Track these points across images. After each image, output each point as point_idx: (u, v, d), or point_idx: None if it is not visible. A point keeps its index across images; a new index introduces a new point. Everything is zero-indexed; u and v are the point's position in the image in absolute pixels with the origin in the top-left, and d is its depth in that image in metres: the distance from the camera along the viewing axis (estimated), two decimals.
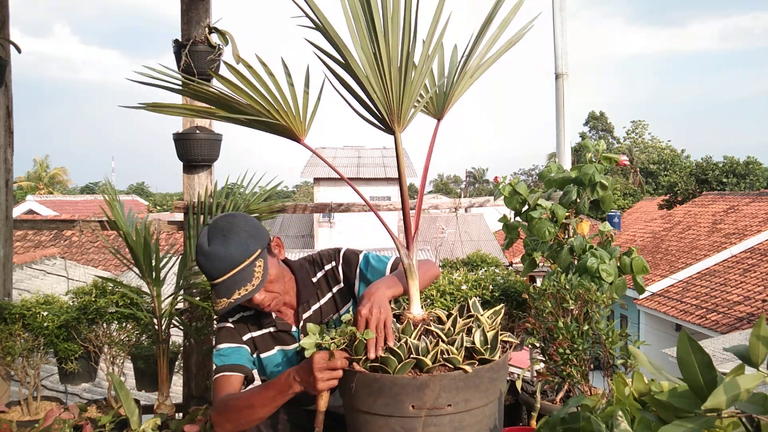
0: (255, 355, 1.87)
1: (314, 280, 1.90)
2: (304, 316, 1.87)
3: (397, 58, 1.43)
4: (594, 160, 2.55)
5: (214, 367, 1.82)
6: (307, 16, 1.40)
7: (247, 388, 1.77)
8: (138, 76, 1.56)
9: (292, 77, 1.61)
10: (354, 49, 1.44)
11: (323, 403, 1.53)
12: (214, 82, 2.46)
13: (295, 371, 1.54)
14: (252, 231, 1.72)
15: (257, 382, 2.00)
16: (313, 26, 1.42)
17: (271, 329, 1.87)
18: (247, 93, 1.55)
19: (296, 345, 1.86)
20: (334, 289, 1.91)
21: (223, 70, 2.83)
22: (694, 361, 0.92)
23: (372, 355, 1.45)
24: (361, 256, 1.90)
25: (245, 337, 1.85)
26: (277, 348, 1.88)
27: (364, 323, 1.49)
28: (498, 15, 1.62)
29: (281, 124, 1.62)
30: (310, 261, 1.94)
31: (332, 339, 1.49)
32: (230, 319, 1.86)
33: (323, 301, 1.90)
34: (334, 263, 1.92)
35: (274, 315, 1.86)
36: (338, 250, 1.94)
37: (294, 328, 1.88)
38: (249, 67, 1.54)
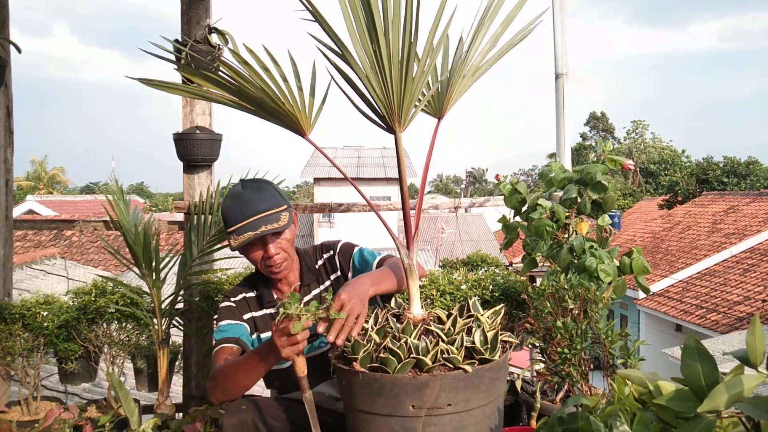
0: (255, 336, 1.95)
1: (316, 266, 2.02)
2: (305, 298, 1.96)
3: (397, 57, 1.42)
4: (597, 160, 2.54)
5: (214, 342, 1.89)
6: (309, 10, 1.40)
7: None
8: (140, 74, 1.57)
9: (299, 71, 1.62)
10: (353, 48, 1.44)
11: (298, 369, 1.54)
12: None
13: (269, 342, 1.58)
14: (281, 192, 1.89)
15: None
16: (314, 20, 1.42)
17: (272, 310, 1.96)
18: (254, 83, 1.55)
19: None
20: (332, 277, 2.01)
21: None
22: (699, 364, 0.93)
23: (331, 338, 1.49)
24: (356, 249, 2.02)
25: (246, 316, 1.94)
26: None
27: (339, 306, 1.52)
28: (501, 12, 1.61)
29: (287, 115, 1.63)
30: (313, 248, 2.06)
31: (299, 309, 1.49)
32: (232, 299, 1.96)
33: (323, 287, 2.00)
34: (332, 252, 2.04)
35: (275, 296, 1.96)
36: (338, 241, 2.07)
37: None
38: (255, 56, 1.54)
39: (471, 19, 1.62)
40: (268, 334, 1.93)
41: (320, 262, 2.02)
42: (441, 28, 1.51)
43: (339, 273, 2.01)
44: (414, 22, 1.39)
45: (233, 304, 1.95)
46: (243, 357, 1.72)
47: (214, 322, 1.98)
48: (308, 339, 1.89)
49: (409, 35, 1.39)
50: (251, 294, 1.98)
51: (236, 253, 1.92)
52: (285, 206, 1.86)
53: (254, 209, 1.79)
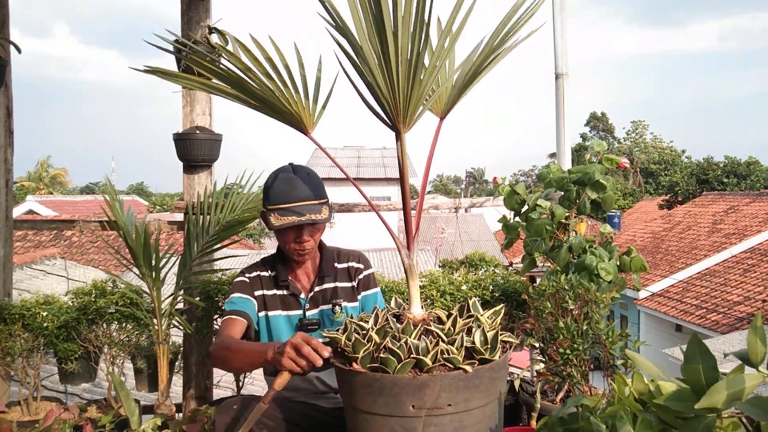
0: (263, 314, 2.02)
1: (336, 265, 2.09)
2: (316, 288, 2.04)
3: (405, 59, 1.41)
4: (595, 160, 2.56)
5: (224, 310, 1.99)
6: (324, 6, 1.39)
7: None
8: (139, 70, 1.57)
9: (304, 68, 1.62)
10: (362, 46, 1.43)
11: (280, 382, 1.52)
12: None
13: (279, 343, 1.58)
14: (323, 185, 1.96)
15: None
16: (326, 20, 1.41)
17: (284, 292, 2.03)
18: (257, 76, 1.55)
19: (300, 312, 2.02)
20: (346, 284, 2.09)
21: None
22: (700, 363, 0.92)
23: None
24: (377, 289, 2.13)
25: (257, 293, 2.03)
26: (282, 311, 2.03)
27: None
28: (510, 12, 1.61)
29: (290, 112, 1.63)
30: (340, 250, 2.14)
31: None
32: (247, 275, 2.05)
33: (335, 285, 2.07)
34: (361, 266, 2.11)
35: (290, 278, 2.03)
36: (370, 267, 2.16)
37: (303, 295, 2.04)
38: (260, 47, 1.54)
39: (478, 17, 1.61)
40: (274, 313, 2.02)
41: (343, 265, 2.10)
42: (454, 30, 1.50)
43: (354, 284, 2.09)
44: (425, 25, 1.37)
45: (247, 280, 2.03)
46: (250, 342, 1.83)
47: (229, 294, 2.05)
48: (310, 330, 1.99)
49: (419, 38, 1.38)
50: (266, 273, 2.05)
51: (236, 253, 1.94)
52: (327, 199, 1.94)
53: (303, 195, 1.87)
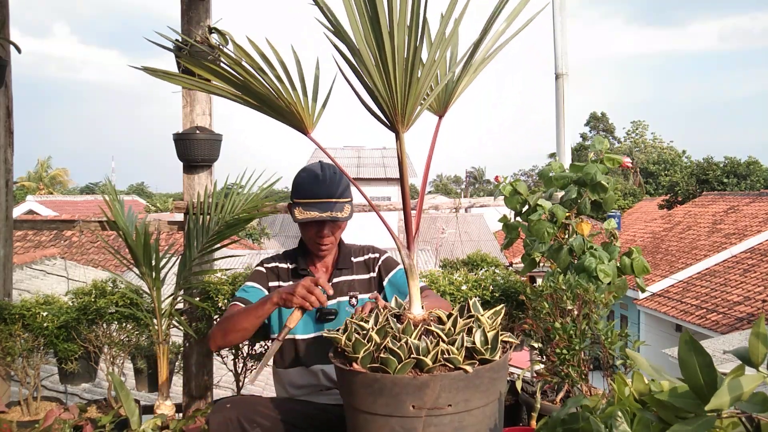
0: None
1: (353, 259, 2.16)
2: (335, 280, 2.10)
3: (402, 59, 1.41)
4: (596, 159, 2.54)
5: (234, 296, 2.08)
6: (319, 7, 1.39)
7: None
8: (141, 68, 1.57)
9: (302, 68, 1.62)
10: (358, 47, 1.43)
11: (293, 319, 1.74)
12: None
13: (278, 290, 1.80)
14: (349, 185, 2.02)
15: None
16: (322, 24, 1.41)
17: None
18: (257, 77, 1.55)
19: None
20: (365, 276, 2.15)
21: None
22: (695, 362, 0.92)
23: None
24: (399, 267, 2.15)
25: (271, 284, 2.09)
26: None
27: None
28: (505, 8, 1.61)
29: (290, 112, 1.63)
30: (353, 246, 2.22)
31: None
32: (266, 265, 2.13)
33: (352, 277, 2.13)
34: (377, 255, 2.18)
35: (309, 269, 2.09)
36: (384, 251, 2.23)
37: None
38: (259, 50, 1.54)
39: (474, 16, 1.61)
40: None
41: (359, 258, 2.17)
42: (449, 29, 1.50)
43: (374, 275, 2.14)
44: (420, 25, 1.37)
45: (264, 270, 2.11)
46: (250, 305, 1.92)
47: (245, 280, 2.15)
48: (328, 319, 2.04)
49: (415, 38, 1.38)
50: (285, 265, 2.12)
51: (236, 253, 1.96)
52: (350, 198, 2.00)
53: (328, 192, 1.93)
